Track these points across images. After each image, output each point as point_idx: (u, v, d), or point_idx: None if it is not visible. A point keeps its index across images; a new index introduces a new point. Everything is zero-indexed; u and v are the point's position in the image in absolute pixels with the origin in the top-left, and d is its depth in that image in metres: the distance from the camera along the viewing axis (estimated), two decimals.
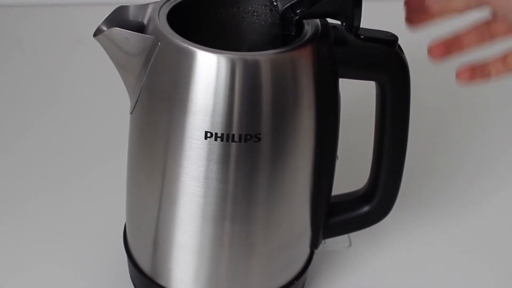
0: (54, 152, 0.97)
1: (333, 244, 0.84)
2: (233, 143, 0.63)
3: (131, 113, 0.69)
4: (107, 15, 0.64)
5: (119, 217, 0.78)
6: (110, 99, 0.99)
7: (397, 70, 0.68)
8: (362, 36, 0.66)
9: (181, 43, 0.62)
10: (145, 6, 0.67)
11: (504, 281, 0.84)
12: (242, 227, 0.68)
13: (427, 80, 1.11)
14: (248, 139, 0.63)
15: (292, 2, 0.64)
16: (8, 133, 1.01)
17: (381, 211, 0.76)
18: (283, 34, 0.65)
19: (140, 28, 0.65)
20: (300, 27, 0.65)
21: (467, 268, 0.85)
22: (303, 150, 0.67)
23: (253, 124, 0.63)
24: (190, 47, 0.62)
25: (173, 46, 0.62)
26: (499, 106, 1.15)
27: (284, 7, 0.65)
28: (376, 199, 0.75)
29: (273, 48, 0.63)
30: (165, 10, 0.66)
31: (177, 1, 0.67)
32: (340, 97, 0.68)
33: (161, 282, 0.72)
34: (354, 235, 0.84)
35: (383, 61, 0.68)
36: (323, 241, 0.77)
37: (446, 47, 0.68)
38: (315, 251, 0.77)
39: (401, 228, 0.88)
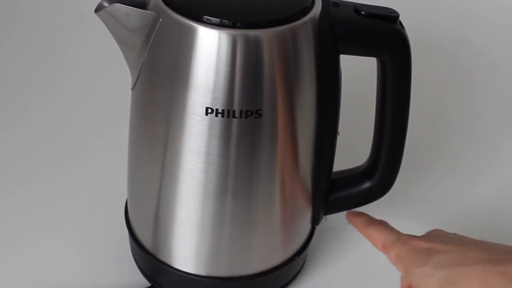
0: (55, 129, 0.97)
1: (334, 220, 0.84)
2: (234, 119, 0.63)
3: (132, 89, 0.69)
4: None
5: (120, 193, 0.78)
6: (111, 75, 0.99)
7: (398, 47, 0.68)
8: (363, 12, 0.66)
9: (182, 19, 0.62)
10: None
11: None
12: (243, 203, 0.68)
13: (428, 57, 1.11)
14: (249, 115, 0.63)
15: None
16: (9, 110, 1.01)
17: (382, 187, 0.76)
18: None
19: (141, 4, 0.65)
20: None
21: None
22: (304, 126, 0.67)
23: (254, 100, 0.63)
24: (191, 23, 0.61)
25: (174, 22, 0.62)
26: (501, 83, 1.15)
27: None
28: (377, 176, 0.75)
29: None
30: None
31: None
32: (341, 73, 0.68)
33: (162, 258, 0.73)
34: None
35: (384, 37, 0.68)
36: (324, 218, 0.77)
37: None
38: (316, 227, 0.78)
39: (402, 204, 0.89)
